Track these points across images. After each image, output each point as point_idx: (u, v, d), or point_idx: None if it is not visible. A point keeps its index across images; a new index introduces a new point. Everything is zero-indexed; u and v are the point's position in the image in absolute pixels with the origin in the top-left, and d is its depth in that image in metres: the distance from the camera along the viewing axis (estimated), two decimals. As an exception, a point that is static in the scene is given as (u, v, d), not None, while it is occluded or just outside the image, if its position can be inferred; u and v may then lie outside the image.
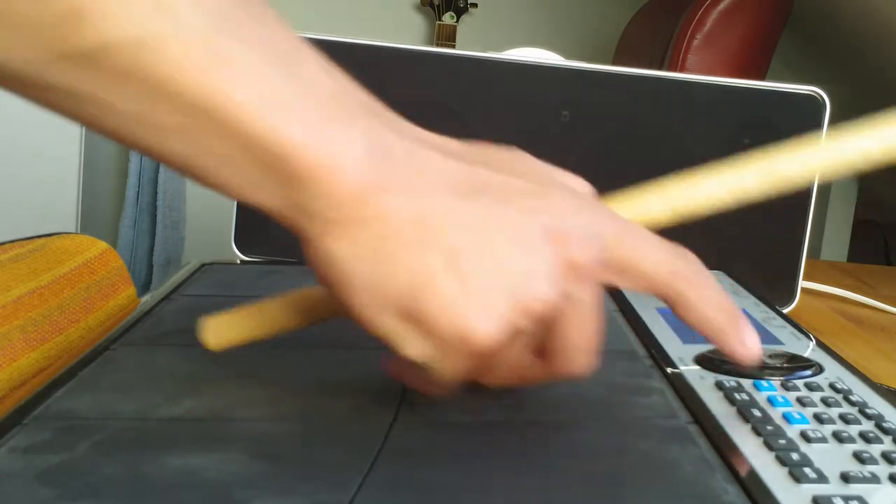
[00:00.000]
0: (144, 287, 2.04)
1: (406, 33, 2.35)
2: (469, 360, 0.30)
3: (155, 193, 2.02)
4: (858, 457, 0.31)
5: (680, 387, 0.37)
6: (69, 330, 0.50)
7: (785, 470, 0.30)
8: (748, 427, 0.33)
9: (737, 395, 0.36)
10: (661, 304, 0.50)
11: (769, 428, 0.33)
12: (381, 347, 0.41)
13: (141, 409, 0.34)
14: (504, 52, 0.66)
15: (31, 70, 0.27)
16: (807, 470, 0.30)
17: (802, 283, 0.67)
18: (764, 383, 0.37)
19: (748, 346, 0.33)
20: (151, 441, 0.31)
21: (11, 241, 0.54)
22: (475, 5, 2.27)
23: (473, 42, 2.33)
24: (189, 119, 0.28)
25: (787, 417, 0.34)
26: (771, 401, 0.36)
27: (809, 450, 0.31)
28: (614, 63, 1.94)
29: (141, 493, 0.27)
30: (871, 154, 0.35)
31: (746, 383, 0.37)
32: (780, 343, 0.43)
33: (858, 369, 0.40)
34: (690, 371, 0.39)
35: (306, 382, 0.37)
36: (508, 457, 0.31)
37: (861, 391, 0.37)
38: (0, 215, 1.77)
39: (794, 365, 0.40)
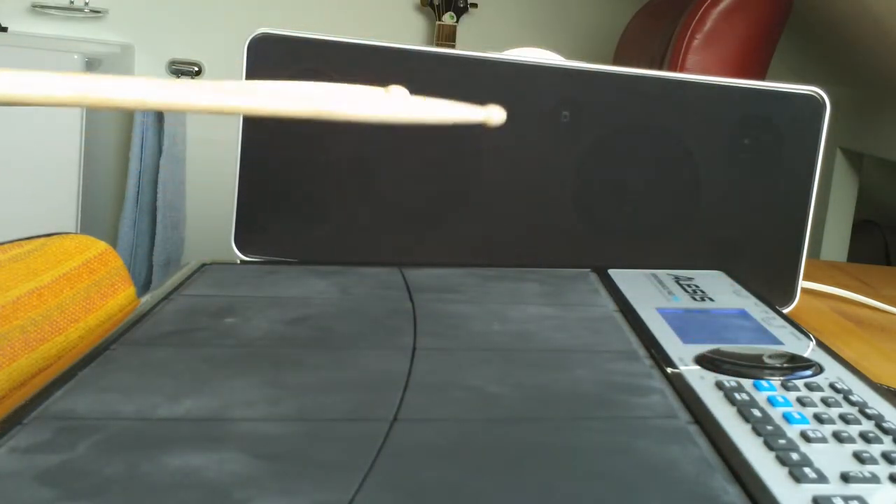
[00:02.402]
0: (144, 287, 2.04)
1: (406, 33, 2.35)
2: None
3: (155, 193, 2.03)
4: (858, 457, 0.31)
5: (680, 387, 0.37)
6: (69, 330, 0.50)
7: (785, 470, 0.30)
8: (748, 427, 0.33)
9: (737, 395, 0.36)
10: (661, 304, 0.50)
11: (769, 428, 0.33)
12: (380, 347, 0.41)
13: (141, 409, 0.34)
14: (504, 52, 0.66)
15: None
16: (807, 470, 0.30)
17: (802, 283, 0.67)
18: (764, 383, 0.37)
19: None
20: (151, 441, 0.31)
21: (11, 241, 0.54)
22: (475, 5, 2.27)
23: (473, 42, 2.33)
24: None
25: (787, 417, 0.34)
26: (771, 401, 0.36)
27: (809, 450, 0.31)
28: (614, 63, 1.94)
29: (141, 493, 0.27)
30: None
31: (746, 383, 0.38)
32: (780, 343, 0.43)
33: (858, 369, 0.40)
34: (690, 371, 0.39)
35: (306, 382, 0.37)
36: (508, 456, 0.31)
37: (861, 391, 0.37)
38: (0, 215, 1.77)
39: (794, 365, 0.40)
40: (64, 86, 0.30)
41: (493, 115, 0.35)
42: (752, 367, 0.39)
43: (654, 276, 0.56)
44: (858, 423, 0.34)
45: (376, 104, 0.33)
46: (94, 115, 1.92)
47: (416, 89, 0.65)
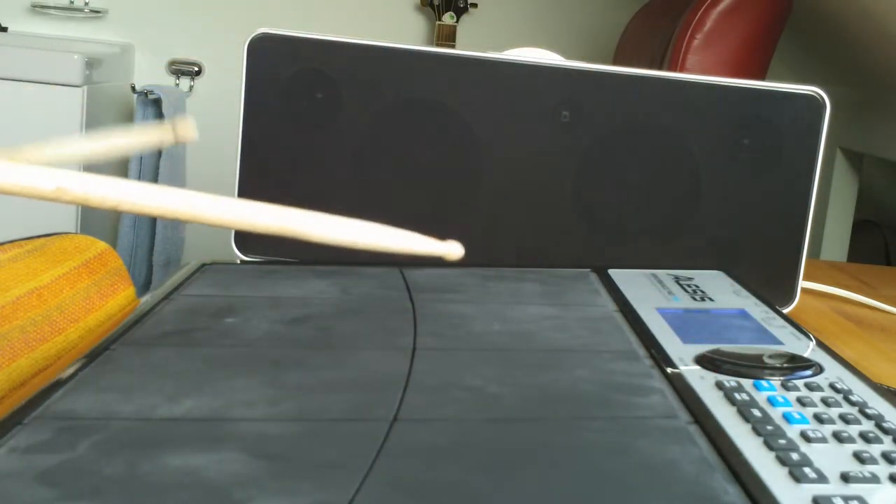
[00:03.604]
0: (144, 287, 2.04)
1: (406, 33, 2.35)
2: None
3: (155, 193, 2.02)
4: (858, 457, 0.31)
5: (680, 387, 0.37)
6: (69, 330, 0.50)
7: (785, 470, 0.30)
8: (748, 427, 0.33)
9: (737, 395, 0.36)
10: (661, 304, 0.50)
11: (769, 428, 0.33)
12: (380, 347, 0.41)
13: (141, 409, 0.34)
14: (504, 52, 0.66)
15: None
16: (807, 470, 0.30)
17: (802, 283, 0.67)
18: (764, 383, 0.37)
19: None
20: (151, 441, 0.31)
21: (11, 241, 0.54)
22: (475, 5, 2.27)
23: (473, 42, 2.33)
24: None
25: (787, 417, 0.34)
26: (771, 401, 0.36)
27: (809, 450, 0.31)
28: (614, 63, 1.94)
29: (141, 493, 0.27)
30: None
31: (746, 383, 0.38)
32: (780, 343, 0.43)
33: (858, 369, 0.40)
34: (690, 371, 0.39)
35: (306, 382, 0.37)
36: (508, 456, 0.31)
37: (861, 391, 0.37)
38: (0, 215, 1.77)
39: (794, 365, 0.40)
40: (47, 180, 0.31)
41: (453, 250, 0.37)
42: (752, 367, 0.39)
43: (654, 276, 0.56)
44: (858, 423, 0.34)
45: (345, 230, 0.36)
46: (94, 116, 1.92)
47: (416, 89, 0.65)
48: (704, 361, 0.40)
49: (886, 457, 0.31)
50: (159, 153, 2.02)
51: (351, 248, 0.35)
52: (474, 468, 0.30)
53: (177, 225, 2.07)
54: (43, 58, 1.82)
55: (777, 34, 1.59)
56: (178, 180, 2.06)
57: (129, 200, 0.33)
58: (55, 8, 2.26)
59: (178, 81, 2.30)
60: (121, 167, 2.12)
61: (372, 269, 0.56)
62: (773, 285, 0.66)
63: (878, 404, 0.36)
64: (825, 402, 0.36)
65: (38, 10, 2.27)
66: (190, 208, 0.33)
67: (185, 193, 0.33)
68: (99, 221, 2.02)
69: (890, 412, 0.35)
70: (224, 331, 0.43)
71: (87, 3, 2.25)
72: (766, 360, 0.40)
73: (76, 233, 0.59)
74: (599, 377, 0.38)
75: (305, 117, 0.65)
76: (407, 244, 0.35)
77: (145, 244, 2.06)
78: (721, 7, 1.51)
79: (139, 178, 2.02)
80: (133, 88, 2.18)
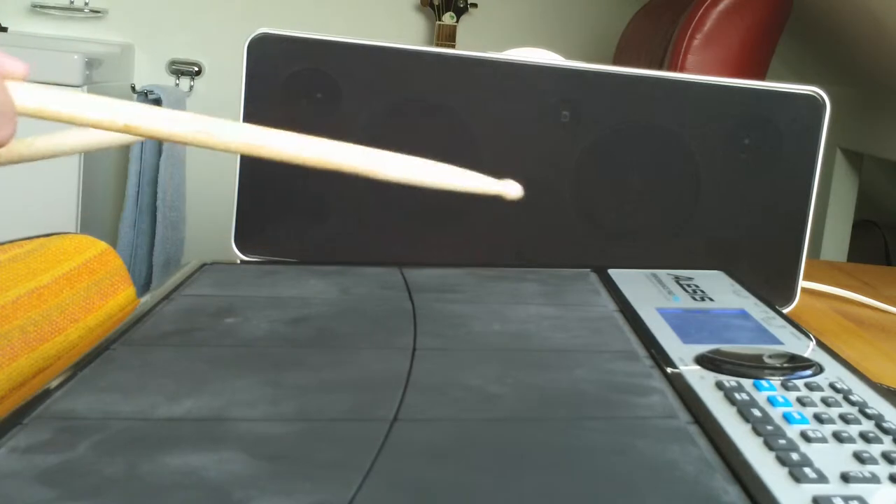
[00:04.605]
0: (144, 287, 2.03)
1: (406, 33, 2.35)
2: None
3: (155, 193, 2.02)
4: (858, 457, 0.31)
5: (680, 387, 0.37)
6: (68, 330, 0.50)
7: (785, 470, 0.30)
8: (748, 427, 0.33)
9: (737, 395, 0.36)
10: (661, 304, 0.50)
11: (769, 428, 0.33)
12: (380, 347, 0.41)
13: (141, 409, 0.34)
14: (504, 52, 0.66)
15: None
16: (807, 470, 0.30)
17: (802, 283, 0.67)
18: (764, 383, 0.37)
19: None
20: (151, 441, 0.31)
21: (10, 242, 0.54)
22: (475, 5, 2.27)
23: (473, 42, 2.33)
24: None
25: (787, 417, 0.34)
26: (771, 401, 0.36)
27: (809, 450, 0.31)
28: (614, 63, 1.94)
29: (141, 493, 0.27)
30: None
31: (746, 383, 0.38)
32: (780, 343, 0.43)
33: (858, 369, 0.40)
34: (690, 371, 0.39)
35: (306, 382, 0.37)
36: (508, 456, 0.31)
37: (861, 391, 0.37)
38: (0, 215, 1.77)
39: (794, 365, 0.40)
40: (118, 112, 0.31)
41: (509, 189, 0.36)
42: (752, 367, 0.39)
43: (654, 276, 0.56)
44: (858, 423, 0.34)
45: (399, 166, 0.35)
46: (94, 115, 1.91)
47: (416, 89, 0.65)
48: (704, 361, 0.40)
49: (886, 457, 0.31)
50: (160, 153, 2.02)
51: (401, 183, 0.35)
52: (474, 468, 0.30)
53: (177, 225, 2.07)
54: (43, 58, 1.82)
55: (777, 34, 1.59)
56: (179, 180, 2.06)
57: (176, 131, 0.33)
58: (55, 8, 2.26)
59: (178, 81, 2.30)
60: (121, 168, 2.12)
61: (372, 269, 0.56)
62: (773, 285, 0.66)
63: (878, 404, 0.36)
64: (825, 402, 0.36)
65: (38, 10, 2.26)
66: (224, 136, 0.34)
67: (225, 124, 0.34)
68: (99, 221, 2.02)
69: (890, 412, 0.35)
70: (224, 331, 0.43)
71: (87, 3, 2.25)
72: (766, 360, 0.40)
73: (76, 233, 0.59)
74: (599, 377, 0.38)
75: (305, 117, 0.65)
76: (460, 181, 0.35)
77: (145, 244, 2.05)
78: (721, 7, 1.51)
79: (139, 178, 2.02)
80: (133, 88, 2.18)
